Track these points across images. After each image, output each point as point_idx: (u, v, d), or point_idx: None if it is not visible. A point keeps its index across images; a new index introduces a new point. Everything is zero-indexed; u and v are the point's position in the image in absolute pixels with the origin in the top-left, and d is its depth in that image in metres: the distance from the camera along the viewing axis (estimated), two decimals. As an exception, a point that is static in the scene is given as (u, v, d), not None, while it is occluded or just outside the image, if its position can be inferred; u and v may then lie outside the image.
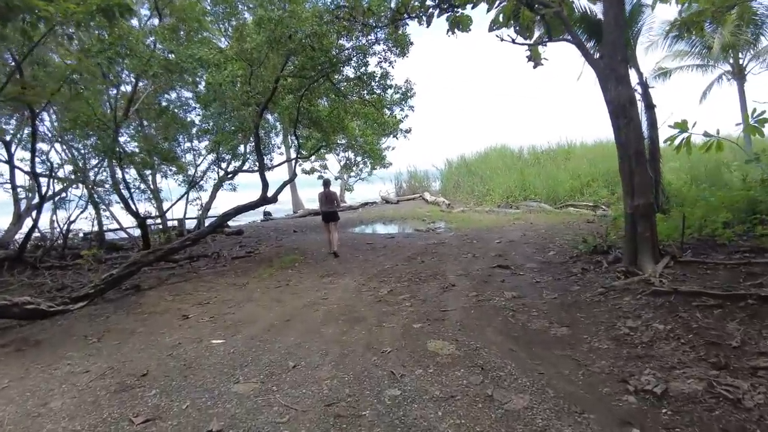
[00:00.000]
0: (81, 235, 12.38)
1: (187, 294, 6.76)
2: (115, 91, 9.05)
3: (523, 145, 21.58)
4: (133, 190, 10.59)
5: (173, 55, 8.25)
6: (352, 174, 26.90)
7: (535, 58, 6.17)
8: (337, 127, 10.92)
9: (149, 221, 11.30)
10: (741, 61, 17.94)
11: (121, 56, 7.62)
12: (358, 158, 26.11)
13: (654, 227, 5.60)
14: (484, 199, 17.27)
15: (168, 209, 10.87)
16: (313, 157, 26.04)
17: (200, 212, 11.79)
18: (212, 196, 11.98)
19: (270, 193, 9.49)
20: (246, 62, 8.53)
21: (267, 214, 19.87)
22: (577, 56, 6.16)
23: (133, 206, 9.40)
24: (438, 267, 7.26)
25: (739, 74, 17.97)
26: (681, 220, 6.29)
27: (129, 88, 10.29)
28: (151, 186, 11.31)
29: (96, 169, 10.80)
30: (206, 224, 10.23)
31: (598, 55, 6.66)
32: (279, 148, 16.13)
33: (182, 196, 10.89)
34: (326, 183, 8.81)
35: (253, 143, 12.12)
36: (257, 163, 9.87)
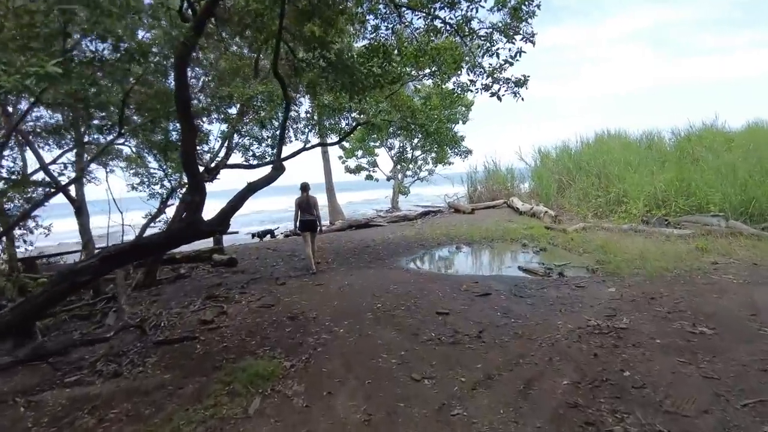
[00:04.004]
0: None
1: None
2: None
3: (651, 129, 15.04)
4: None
5: None
6: (408, 172, 21.46)
7: None
8: (380, 79, 5.64)
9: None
10: None
11: None
12: (417, 152, 20.67)
13: None
14: (612, 210, 11.18)
15: (11, 227, 6.09)
16: (360, 152, 21.24)
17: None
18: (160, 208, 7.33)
19: (217, 210, 4.41)
20: None
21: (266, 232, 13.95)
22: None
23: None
24: None
25: None
26: None
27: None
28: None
29: None
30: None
31: None
32: (310, 130, 10.67)
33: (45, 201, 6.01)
34: (304, 187, 7.53)
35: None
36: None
